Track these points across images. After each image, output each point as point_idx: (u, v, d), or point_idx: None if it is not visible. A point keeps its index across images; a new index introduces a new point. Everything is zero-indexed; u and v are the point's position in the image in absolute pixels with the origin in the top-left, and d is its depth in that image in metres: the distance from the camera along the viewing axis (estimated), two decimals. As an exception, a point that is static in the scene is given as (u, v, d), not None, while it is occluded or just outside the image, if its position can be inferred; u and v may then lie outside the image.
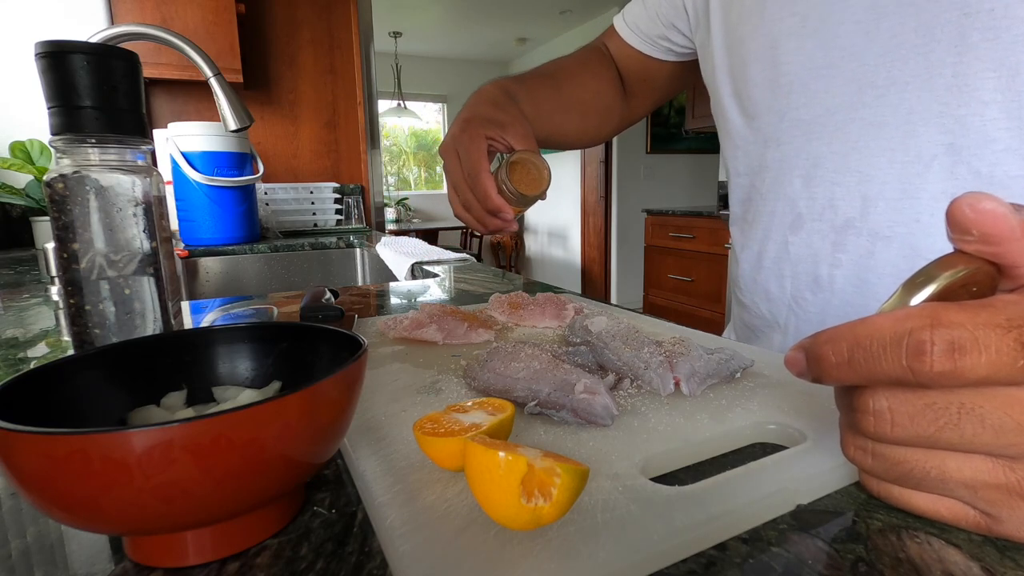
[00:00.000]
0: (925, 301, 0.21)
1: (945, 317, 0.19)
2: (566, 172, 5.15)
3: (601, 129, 0.75)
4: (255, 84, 2.09)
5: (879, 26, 0.43)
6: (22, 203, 1.50)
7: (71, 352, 0.32)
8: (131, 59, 0.38)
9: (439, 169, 6.65)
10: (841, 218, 0.48)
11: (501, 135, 0.54)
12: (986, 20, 0.38)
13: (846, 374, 0.21)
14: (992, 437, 0.20)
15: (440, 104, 6.30)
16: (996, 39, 0.38)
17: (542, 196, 0.54)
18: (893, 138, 0.44)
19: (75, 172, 0.36)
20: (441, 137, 6.82)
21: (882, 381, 0.21)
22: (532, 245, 6.13)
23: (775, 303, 0.56)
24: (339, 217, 1.98)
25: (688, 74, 0.72)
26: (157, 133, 1.51)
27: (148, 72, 1.68)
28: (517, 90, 0.62)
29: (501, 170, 0.53)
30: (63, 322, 0.66)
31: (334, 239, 1.63)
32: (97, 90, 0.36)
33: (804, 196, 0.50)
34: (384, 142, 6.38)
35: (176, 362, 0.31)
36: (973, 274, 0.22)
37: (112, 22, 1.67)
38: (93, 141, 0.37)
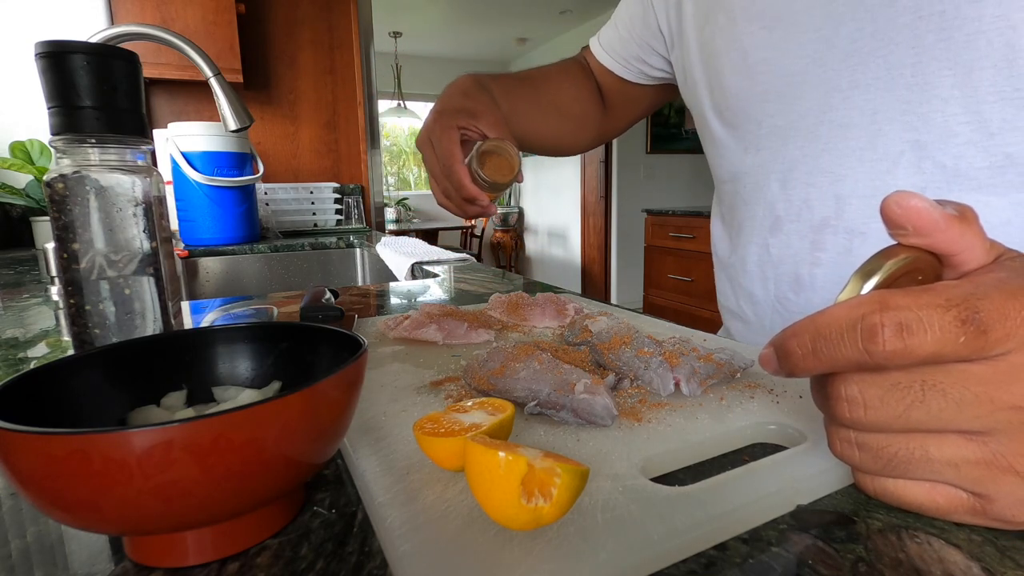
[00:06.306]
0: (874, 289, 0.23)
1: (892, 301, 0.21)
2: (566, 172, 5.15)
3: (578, 136, 0.75)
4: (255, 84, 2.09)
5: (838, 32, 0.45)
6: (22, 203, 1.50)
7: (71, 352, 0.32)
8: (131, 59, 0.38)
9: (439, 169, 6.64)
10: (817, 218, 0.49)
11: (473, 124, 0.55)
12: (939, 22, 0.40)
13: (812, 364, 0.23)
14: (956, 411, 0.21)
15: (440, 104, 6.29)
16: (950, 39, 0.39)
17: (519, 177, 0.56)
18: (861, 138, 0.45)
19: (75, 172, 0.36)
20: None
21: (844, 366, 0.22)
22: (532, 245, 6.13)
23: (760, 306, 0.57)
24: (339, 217, 1.98)
25: (666, 94, 0.74)
26: (157, 133, 1.51)
27: (148, 72, 1.68)
28: (491, 84, 0.63)
29: (472, 160, 0.54)
30: (63, 322, 0.66)
31: (334, 239, 1.63)
32: (97, 90, 0.36)
33: (781, 199, 0.52)
34: (384, 142, 6.38)
35: (176, 362, 0.31)
36: (915, 262, 0.24)
37: (112, 22, 1.67)
38: (93, 141, 0.37)
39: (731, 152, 0.57)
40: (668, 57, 0.65)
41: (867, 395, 0.22)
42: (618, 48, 0.70)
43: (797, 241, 0.51)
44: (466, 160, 0.55)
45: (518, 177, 0.56)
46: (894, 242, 0.24)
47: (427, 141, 0.57)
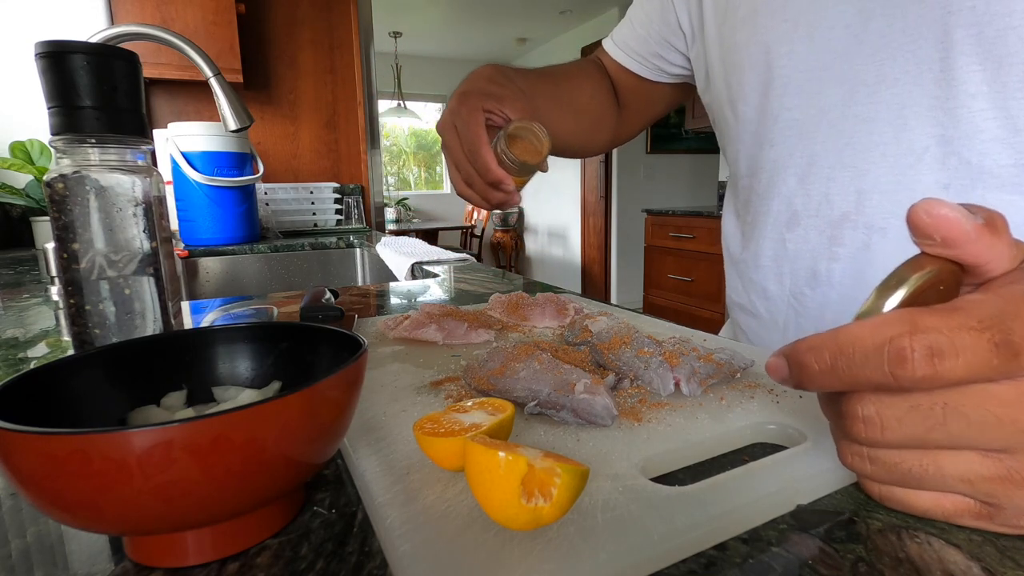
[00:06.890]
0: (899, 303, 0.22)
1: (922, 323, 0.20)
2: (566, 172, 5.14)
3: (593, 136, 0.75)
4: (255, 84, 2.08)
5: (867, 27, 0.44)
6: (22, 203, 1.50)
7: (71, 352, 0.32)
8: (131, 59, 0.38)
9: (439, 169, 6.65)
10: (837, 213, 0.49)
11: (499, 107, 0.53)
12: (969, 16, 0.39)
13: (829, 381, 0.22)
14: (977, 433, 0.21)
15: (440, 104, 6.30)
16: (979, 34, 0.39)
17: (543, 165, 0.54)
18: (885, 133, 0.45)
19: (75, 172, 0.36)
20: (441, 137, 6.85)
21: (864, 387, 0.21)
22: (532, 245, 6.13)
23: (774, 301, 0.56)
24: (339, 217, 1.98)
25: (682, 94, 0.73)
26: (157, 133, 1.51)
27: (148, 72, 1.68)
28: (513, 73, 0.62)
29: (500, 141, 0.52)
30: (63, 322, 0.66)
31: (334, 239, 1.63)
32: (97, 90, 0.36)
33: (799, 194, 0.51)
34: (384, 142, 6.38)
35: (176, 362, 0.31)
36: (939, 273, 0.23)
37: (112, 22, 1.67)
38: (93, 141, 0.37)
39: (747, 147, 0.56)
40: (687, 54, 0.65)
41: (884, 416, 0.21)
42: (634, 45, 0.69)
43: (815, 236, 0.51)
44: (492, 143, 0.53)
45: (542, 166, 0.53)
46: (913, 243, 0.23)
47: (450, 124, 0.54)
